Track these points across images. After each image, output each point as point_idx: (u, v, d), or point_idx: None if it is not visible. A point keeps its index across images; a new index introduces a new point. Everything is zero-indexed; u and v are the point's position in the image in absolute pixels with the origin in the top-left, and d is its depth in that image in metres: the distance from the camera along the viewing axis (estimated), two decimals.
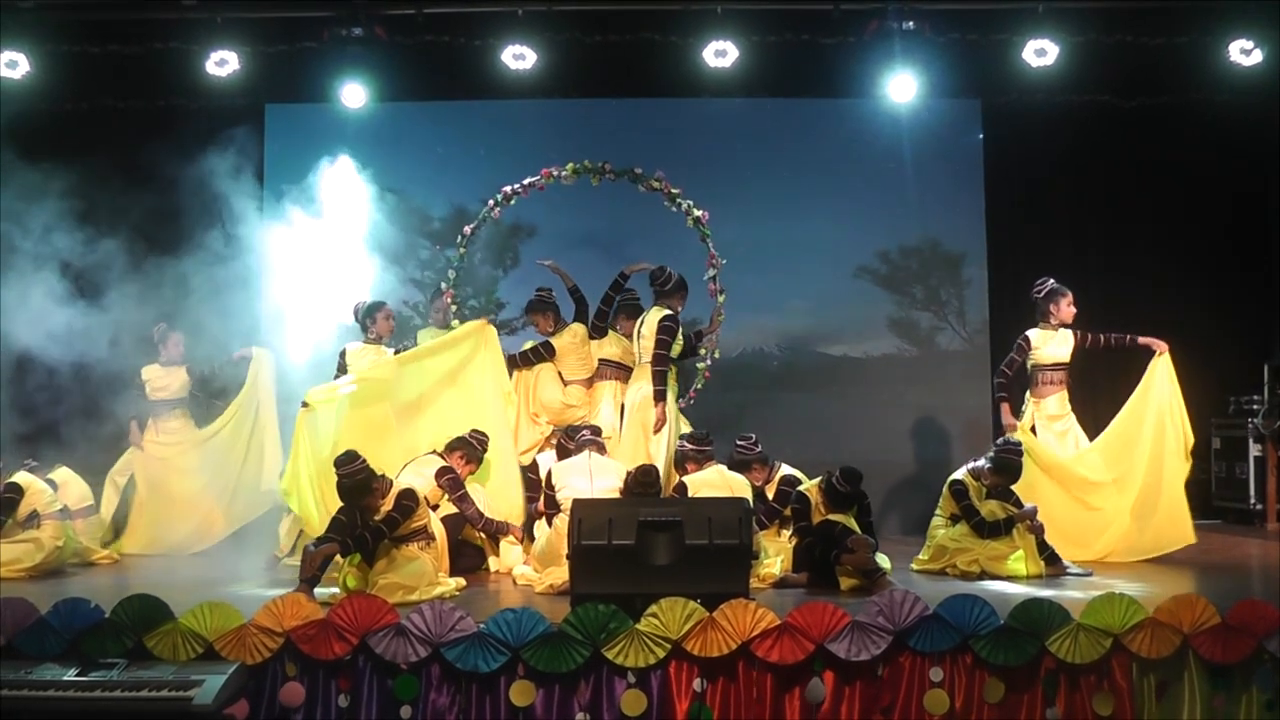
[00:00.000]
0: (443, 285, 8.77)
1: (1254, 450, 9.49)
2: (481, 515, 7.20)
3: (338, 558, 6.23)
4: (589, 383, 8.17)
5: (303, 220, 8.24)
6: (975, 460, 7.46)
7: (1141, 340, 7.89)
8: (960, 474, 7.36)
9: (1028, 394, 8.05)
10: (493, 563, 7.37)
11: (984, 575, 6.93)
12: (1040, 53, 9.04)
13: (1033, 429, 7.87)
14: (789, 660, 5.25)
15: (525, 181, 8.54)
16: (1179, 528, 7.66)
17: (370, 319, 8.04)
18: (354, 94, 9.07)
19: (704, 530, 5.68)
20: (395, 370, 7.67)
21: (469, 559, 7.27)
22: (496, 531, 7.30)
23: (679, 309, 7.96)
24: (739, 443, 7.55)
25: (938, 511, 7.42)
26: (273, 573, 7.24)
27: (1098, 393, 8.78)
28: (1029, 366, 7.98)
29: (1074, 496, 7.75)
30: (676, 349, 7.83)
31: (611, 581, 5.60)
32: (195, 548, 8.18)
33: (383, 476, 6.41)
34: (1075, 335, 7.96)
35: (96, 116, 9.75)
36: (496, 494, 7.59)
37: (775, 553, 6.95)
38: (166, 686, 4.95)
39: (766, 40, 9.36)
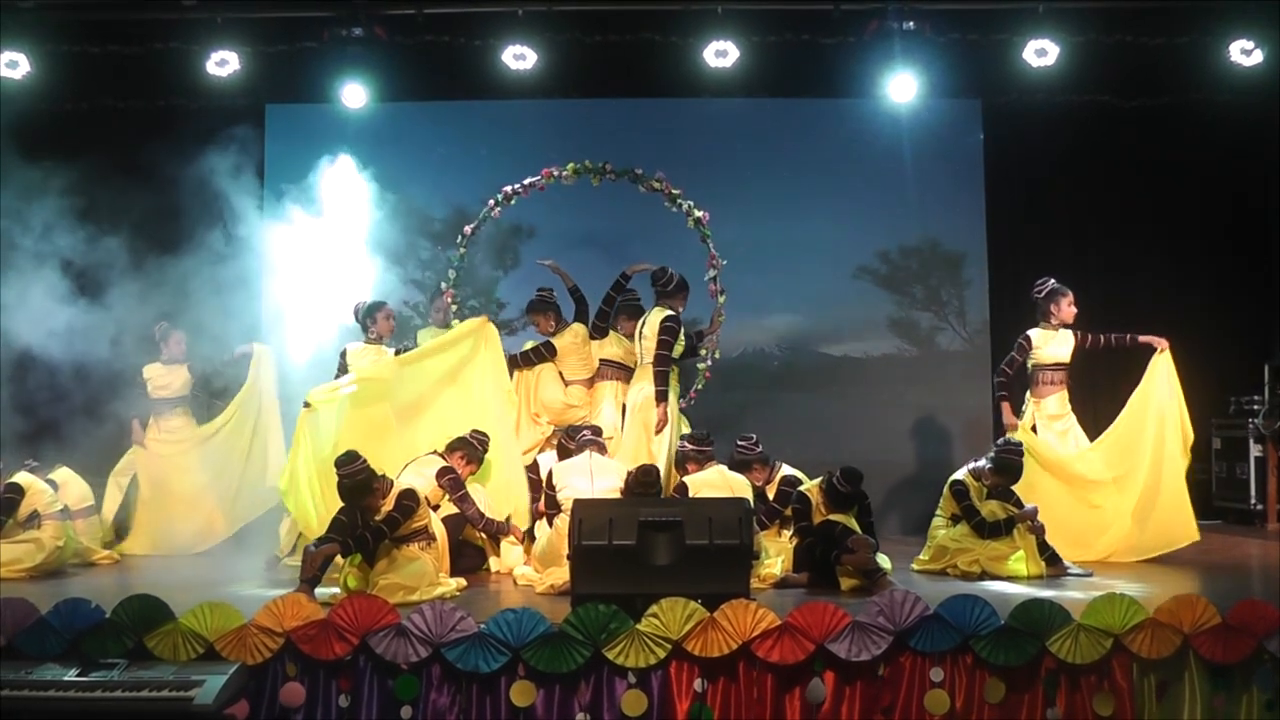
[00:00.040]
0: (443, 285, 8.78)
1: (1254, 450, 9.50)
2: (482, 515, 7.20)
3: (338, 558, 6.23)
4: (590, 383, 8.18)
5: (303, 220, 8.26)
6: (976, 460, 7.46)
7: (1142, 338, 7.90)
8: (961, 474, 7.37)
9: (1027, 394, 8.05)
10: (493, 563, 7.37)
11: (984, 575, 6.93)
12: (1040, 53, 9.05)
13: (1033, 428, 7.87)
14: (789, 660, 5.26)
15: (526, 181, 8.55)
16: (1182, 525, 7.66)
17: (370, 319, 8.04)
18: (354, 94, 9.07)
19: (704, 530, 5.68)
20: (396, 370, 7.67)
21: (470, 559, 7.27)
22: (497, 532, 7.30)
23: (681, 310, 7.96)
24: (739, 443, 7.55)
25: (938, 512, 7.42)
26: (273, 573, 7.24)
27: (1098, 393, 8.79)
28: (1029, 366, 7.99)
29: (1075, 495, 7.75)
30: (678, 349, 7.83)
31: (612, 582, 5.60)
32: (200, 547, 8.19)
33: (383, 477, 6.41)
34: (1075, 336, 7.96)
35: (97, 116, 9.76)
36: (499, 492, 7.58)
37: (776, 553, 6.95)
38: (167, 687, 4.95)
39: (767, 40, 9.36)
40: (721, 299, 8.50)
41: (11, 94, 9.07)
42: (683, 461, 7.28)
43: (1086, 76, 9.58)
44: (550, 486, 7.04)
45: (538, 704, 5.25)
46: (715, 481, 6.90)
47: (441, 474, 7.17)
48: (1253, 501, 9.50)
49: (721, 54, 9.09)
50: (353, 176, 8.60)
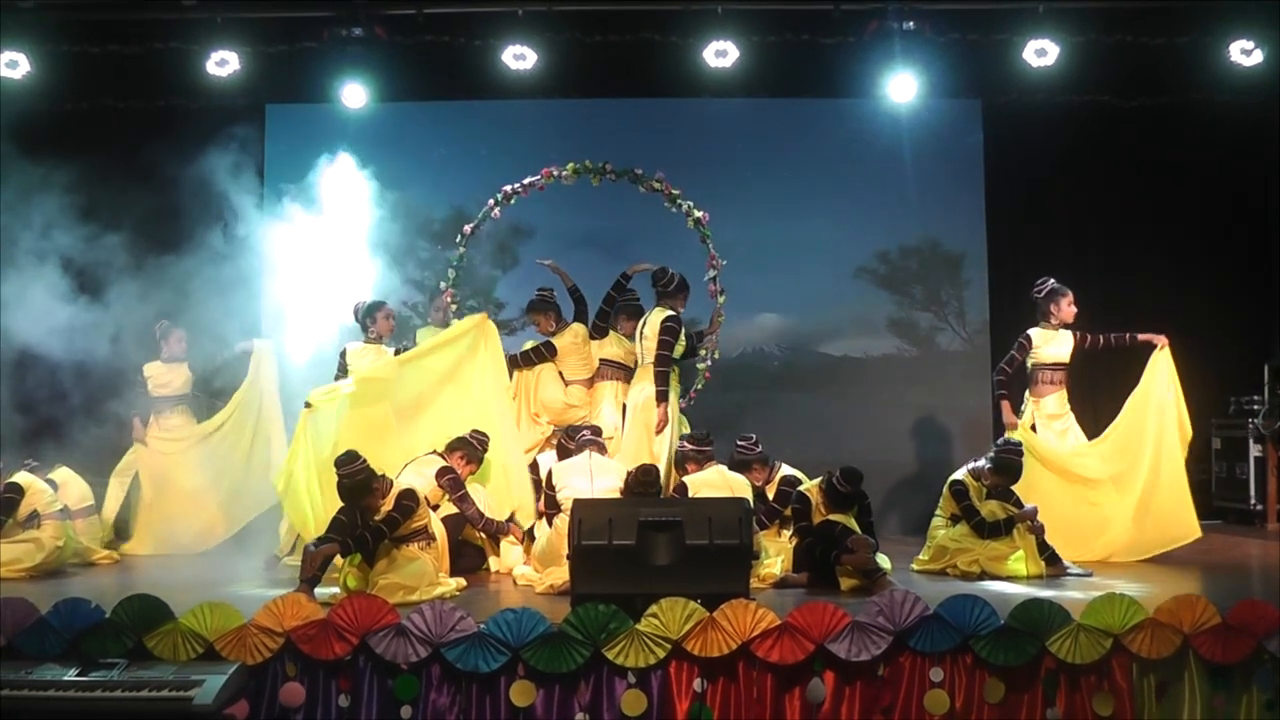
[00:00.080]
0: (442, 285, 8.78)
1: (1254, 451, 9.50)
2: (482, 515, 7.20)
3: (338, 558, 6.23)
4: (590, 383, 8.18)
5: (303, 220, 8.25)
6: (975, 460, 7.47)
7: (1141, 337, 7.91)
8: (960, 474, 7.37)
9: (1027, 393, 8.05)
10: (493, 563, 7.37)
11: (984, 575, 6.93)
12: (1040, 53, 9.05)
13: (1032, 427, 7.88)
14: (789, 660, 5.26)
15: (525, 181, 8.56)
16: (1183, 522, 7.67)
17: (370, 319, 8.04)
18: (354, 94, 9.07)
19: (704, 530, 5.68)
20: (396, 370, 7.67)
21: (469, 559, 7.27)
22: (497, 531, 7.30)
23: (681, 310, 7.97)
24: (739, 443, 7.55)
25: (938, 512, 7.43)
26: (273, 573, 7.24)
27: (1098, 392, 8.79)
28: (1029, 365, 7.99)
29: (1074, 493, 7.75)
30: (679, 350, 7.84)
31: (612, 581, 5.60)
32: (204, 545, 8.19)
33: (383, 477, 6.41)
34: (1075, 336, 7.96)
35: (97, 116, 9.76)
36: (500, 491, 7.57)
37: (775, 553, 6.95)
38: (167, 686, 4.95)
39: (767, 40, 9.36)
40: (721, 299, 8.51)
41: (11, 94, 9.06)
42: (682, 461, 7.28)
43: (1086, 76, 9.58)
44: (550, 486, 7.03)
45: (537, 704, 5.25)
46: (715, 481, 6.91)
47: (441, 474, 7.17)
48: (1252, 501, 9.50)
49: (721, 54, 9.09)
50: (353, 176, 8.59)
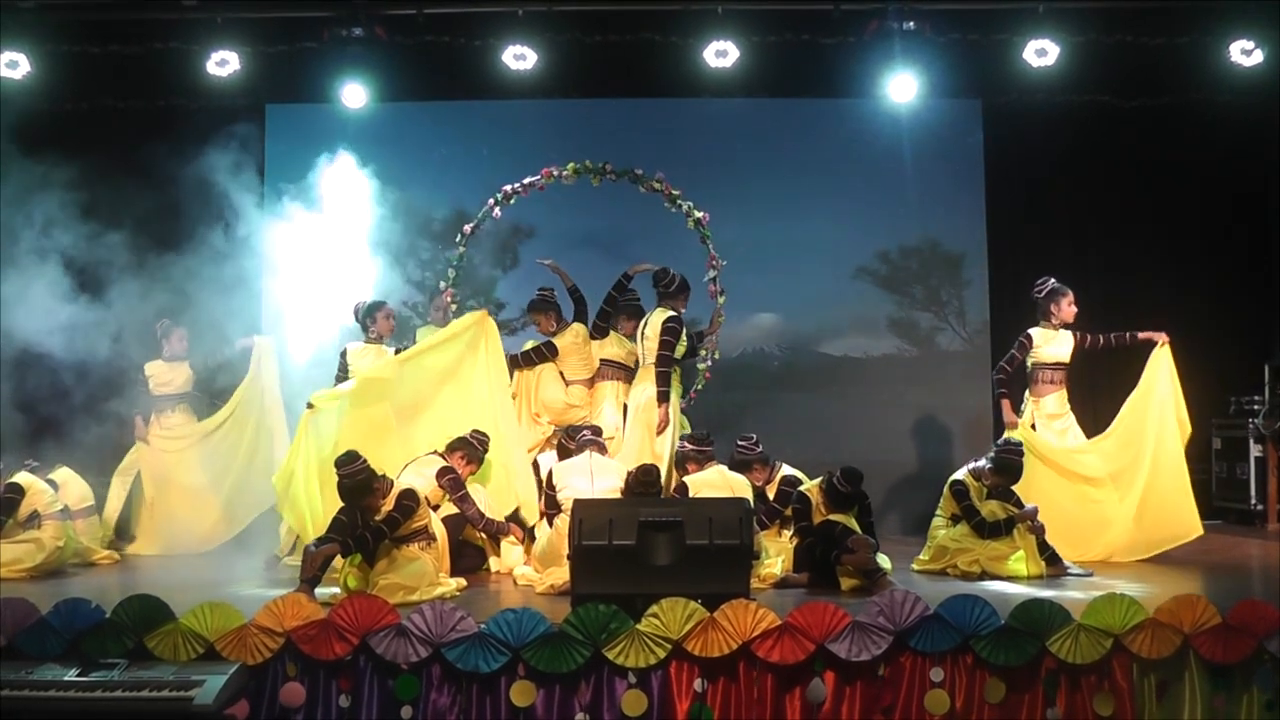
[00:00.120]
0: (442, 284, 8.78)
1: (1254, 451, 9.50)
2: (482, 515, 7.20)
3: (338, 558, 6.23)
4: (590, 383, 8.17)
5: (303, 220, 8.26)
6: (976, 460, 7.47)
7: (1141, 335, 7.92)
8: (961, 474, 7.37)
9: (1026, 393, 8.05)
10: (493, 563, 7.37)
11: (985, 575, 6.93)
12: (1041, 53, 9.05)
13: (1032, 426, 7.88)
14: (790, 660, 5.26)
15: (525, 181, 8.58)
16: (1185, 520, 7.68)
17: (371, 319, 8.04)
18: (354, 94, 9.07)
19: (705, 530, 5.68)
20: (397, 369, 7.66)
21: (470, 559, 7.27)
22: (497, 532, 7.30)
23: (682, 311, 7.97)
24: (740, 443, 7.55)
25: (938, 512, 7.42)
26: (273, 573, 7.24)
27: (1098, 392, 8.79)
28: (1029, 365, 7.99)
29: (1074, 490, 7.75)
30: (680, 350, 7.85)
31: (612, 582, 5.60)
32: (209, 545, 8.18)
33: (383, 477, 6.41)
34: (1075, 336, 7.97)
35: (97, 117, 9.76)
36: (501, 490, 7.56)
37: (776, 553, 6.94)
38: (167, 687, 4.95)
39: (767, 40, 9.36)
40: (721, 300, 8.52)
41: (12, 94, 9.06)
42: (683, 461, 7.28)
43: (1087, 76, 9.58)
44: (550, 486, 7.04)
45: (538, 704, 5.25)
46: (715, 481, 6.91)
47: (441, 474, 7.16)
48: (1253, 502, 9.50)
49: (721, 54, 9.09)
50: (353, 176, 8.60)
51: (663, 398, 7.67)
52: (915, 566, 7.27)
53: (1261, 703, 5.35)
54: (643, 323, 7.98)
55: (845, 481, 6.70)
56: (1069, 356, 7.97)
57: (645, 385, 7.80)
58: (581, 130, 9.69)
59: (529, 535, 7.29)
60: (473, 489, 7.30)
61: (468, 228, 8.67)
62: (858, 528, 6.68)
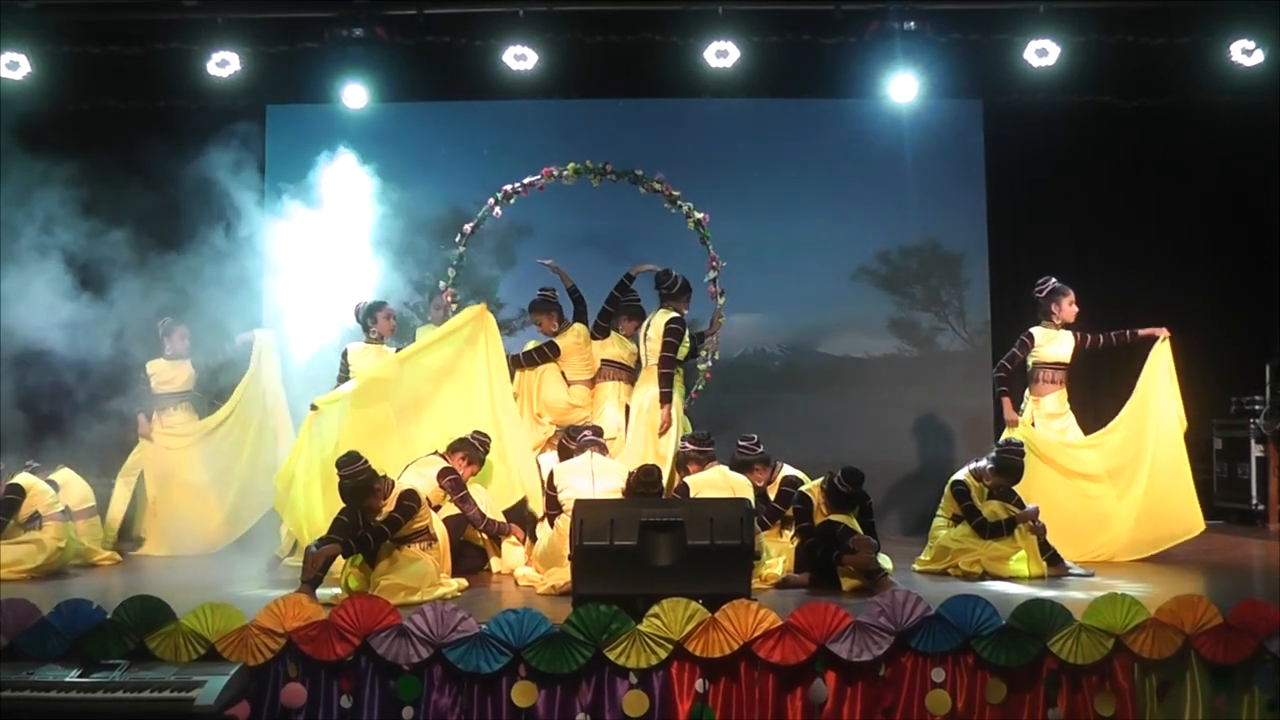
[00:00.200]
0: (442, 284, 8.78)
1: (1255, 451, 9.50)
2: (483, 516, 7.19)
3: (339, 559, 6.23)
4: (591, 383, 8.18)
5: (304, 220, 8.25)
6: (977, 461, 7.47)
7: (1142, 332, 7.94)
8: (962, 474, 7.37)
9: (1026, 391, 8.06)
10: (494, 563, 7.37)
11: (986, 576, 6.93)
12: (1041, 53, 9.04)
13: (1031, 424, 7.88)
14: (791, 661, 5.26)
15: (526, 180, 8.58)
16: (1187, 518, 7.68)
17: (371, 319, 8.04)
18: (355, 94, 9.07)
19: (706, 531, 5.68)
20: (397, 369, 7.66)
21: (471, 560, 7.27)
22: (498, 532, 7.30)
23: (684, 312, 7.98)
24: (740, 443, 7.55)
25: (939, 512, 7.42)
26: (274, 573, 7.24)
27: (1098, 392, 8.79)
28: (1030, 364, 7.99)
29: (1075, 488, 7.75)
30: (683, 351, 7.86)
31: (613, 582, 5.60)
32: (217, 545, 8.18)
33: (384, 477, 6.41)
34: (1076, 337, 7.97)
35: (97, 117, 9.75)
36: (503, 489, 7.56)
37: (777, 553, 6.95)
38: (168, 687, 4.96)
39: (767, 40, 9.36)
40: (721, 300, 8.52)
41: (12, 95, 9.06)
42: (684, 462, 7.29)
43: (1087, 77, 9.57)
44: (551, 487, 7.04)
45: (539, 704, 5.25)
46: (716, 482, 6.91)
47: (443, 474, 7.16)
48: (1254, 502, 9.50)
49: (722, 54, 9.08)
50: (353, 177, 8.60)
51: (665, 399, 7.68)
52: (916, 567, 7.28)
53: (1263, 703, 5.35)
54: (645, 324, 7.99)
55: (846, 482, 6.70)
56: (1069, 356, 7.97)
57: (648, 387, 7.80)
58: (582, 130, 9.69)
59: (530, 535, 7.29)
60: (474, 489, 7.30)
61: (468, 227, 8.68)
62: (859, 528, 6.68)
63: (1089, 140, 9.99)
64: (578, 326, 8.22)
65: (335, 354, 8.10)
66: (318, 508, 6.98)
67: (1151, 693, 5.35)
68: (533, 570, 6.92)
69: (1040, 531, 7.09)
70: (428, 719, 5.27)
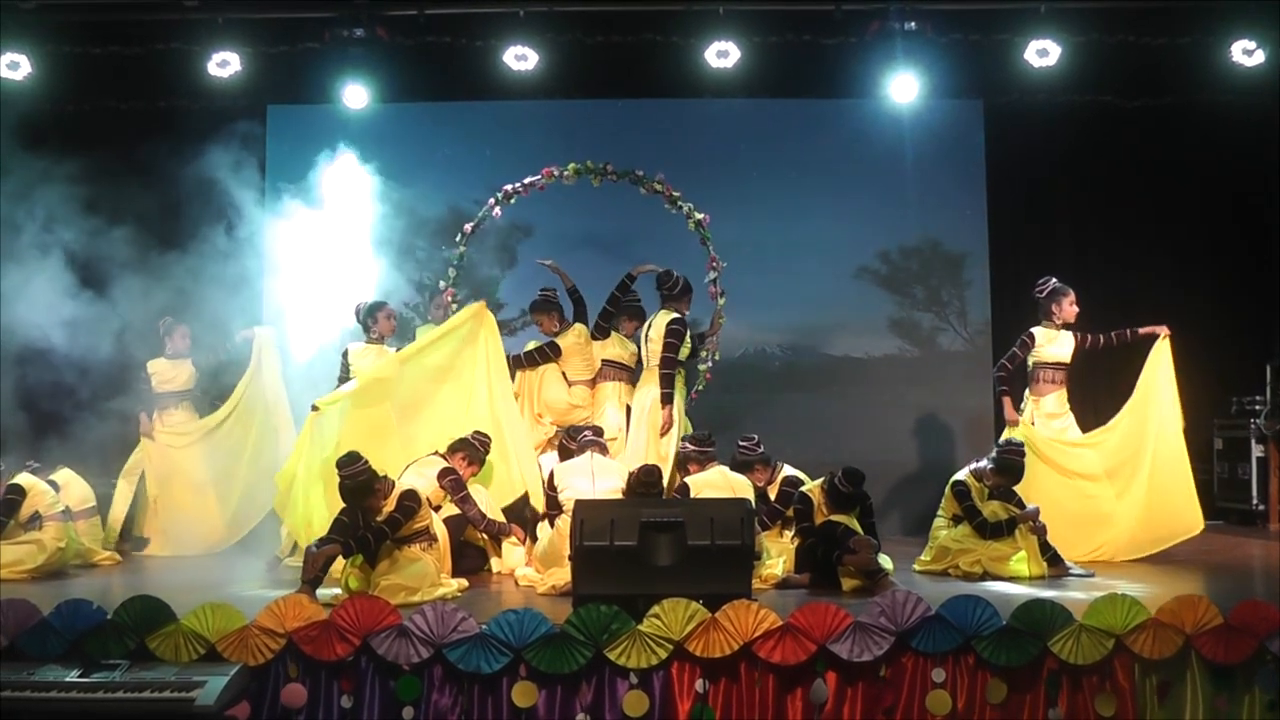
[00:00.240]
0: (442, 284, 8.78)
1: (1256, 451, 9.51)
2: (484, 516, 7.19)
3: (340, 559, 6.23)
4: (592, 383, 8.18)
5: (305, 220, 8.26)
6: (977, 461, 7.47)
7: (1142, 330, 7.94)
8: (962, 475, 7.37)
9: (1026, 391, 8.06)
10: (495, 564, 7.37)
11: (986, 576, 6.93)
12: (1042, 53, 9.04)
13: (1032, 424, 7.88)
14: (791, 661, 5.25)
15: (526, 180, 8.58)
16: (1187, 517, 7.68)
17: (372, 319, 8.04)
18: (356, 95, 9.07)
19: (706, 531, 5.68)
20: (397, 369, 7.66)
21: (471, 560, 7.27)
22: (499, 532, 7.30)
23: (685, 313, 7.98)
24: (741, 443, 7.55)
25: (940, 512, 7.42)
26: (274, 574, 7.24)
27: (1098, 392, 8.79)
28: (1030, 364, 7.99)
29: (1074, 487, 7.75)
30: (684, 352, 7.87)
31: (614, 582, 5.60)
32: (221, 545, 8.19)
33: (385, 477, 6.41)
34: (1076, 337, 7.97)
35: (98, 117, 9.75)
36: (503, 488, 7.56)
37: (777, 553, 6.95)
38: (169, 688, 4.95)
39: (768, 41, 9.36)
40: (721, 301, 8.53)
41: (12, 95, 9.06)
42: (684, 462, 7.29)
43: (1088, 77, 9.57)
44: (552, 487, 7.04)
45: (539, 705, 5.25)
46: (717, 482, 6.91)
47: (443, 475, 7.16)
48: (1254, 502, 9.51)
49: (723, 54, 9.08)
50: (354, 177, 8.60)
51: (666, 399, 7.69)
52: (917, 567, 7.27)
53: (1263, 703, 5.34)
54: (646, 325, 7.99)
55: (847, 482, 6.70)
56: (1070, 357, 7.97)
57: (650, 388, 7.81)
58: (582, 131, 9.69)
59: (530, 535, 7.29)
60: (474, 490, 7.30)
61: (468, 227, 8.69)
62: (859, 528, 6.67)
63: (1089, 140, 9.98)
64: (578, 327, 8.23)
65: (336, 354, 8.11)
66: (318, 508, 6.98)
67: (1152, 693, 5.34)
68: (533, 570, 6.93)
69: (1040, 532, 7.09)
70: (428, 719, 5.27)
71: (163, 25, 9.29)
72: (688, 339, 7.90)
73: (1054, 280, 8.04)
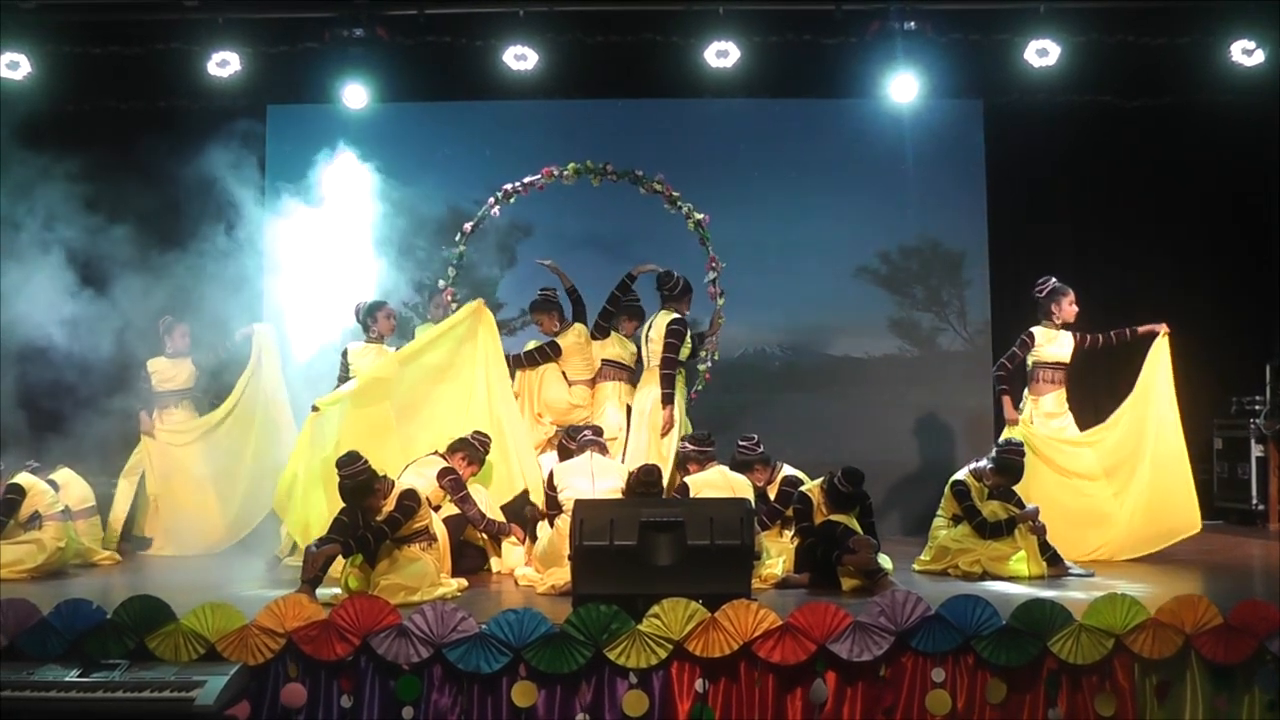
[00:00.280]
0: (441, 283, 8.78)
1: (1256, 451, 9.51)
2: (483, 516, 7.20)
3: (339, 559, 6.23)
4: (592, 383, 8.18)
5: (305, 220, 8.26)
6: (977, 461, 7.47)
7: (1142, 329, 7.94)
8: (962, 474, 7.37)
9: (1026, 391, 8.06)
10: (494, 563, 7.37)
11: (986, 576, 6.93)
12: (1042, 53, 9.03)
13: (1031, 423, 7.88)
14: (791, 661, 5.26)
15: (526, 180, 8.58)
16: (1186, 516, 7.68)
17: (371, 318, 8.05)
18: (356, 95, 9.07)
19: (706, 531, 5.68)
20: (397, 368, 7.66)
21: (471, 560, 7.27)
22: (498, 532, 7.30)
23: (686, 313, 7.99)
24: (741, 443, 7.55)
25: (939, 512, 7.42)
26: (274, 573, 7.24)
27: (1098, 391, 8.79)
28: (1030, 363, 7.99)
29: (1073, 486, 7.76)
30: (684, 352, 7.87)
31: (613, 582, 5.60)
32: (224, 545, 8.19)
33: (384, 477, 6.41)
34: (1075, 337, 7.97)
35: (98, 117, 9.75)
36: (503, 486, 7.56)
37: (777, 553, 6.95)
38: (168, 687, 4.96)
39: (768, 41, 9.35)
40: (720, 301, 8.53)
41: (12, 95, 9.05)
42: (684, 462, 7.29)
43: (1088, 77, 9.56)
44: (551, 487, 7.03)
45: (539, 704, 5.25)
46: (717, 482, 6.91)
47: (443, 474, 7.17)
48: (1254, 502, 9.51)
49: (723, 54, 9.08)
50: (353, 177, 8.60)
51: (667, 400, 7.70)
52: (916, 567, 7.28)
53: (1263, 703, 5.34)
54: (646, 325, 8.00)
55: (846, 482, 6.70)
56: (1069, 356, 7.98)
57: (650, 388, 7.81)
58: (582, 130, 9.68)
59: (530, 535, 7.29)
60: (474, 489, 7.30)
61: (468, 226, 8.70)
62: (859, 528, 6.68)
63: (1089, 140, 9.98)
64: (578, 326, 8.23)
65: (336, 353, 8.11)
66: (317, 508, 6.98)
67: (1151, 693, 5.34)
68: (533, 570, 6.93)
69: (1040, 531, 7.09)
70: (428, 719, 5.27)
71: (163, 25, 9.28)
72: (688, 339, 7.91)
73: (1053, 280, 8.04)
